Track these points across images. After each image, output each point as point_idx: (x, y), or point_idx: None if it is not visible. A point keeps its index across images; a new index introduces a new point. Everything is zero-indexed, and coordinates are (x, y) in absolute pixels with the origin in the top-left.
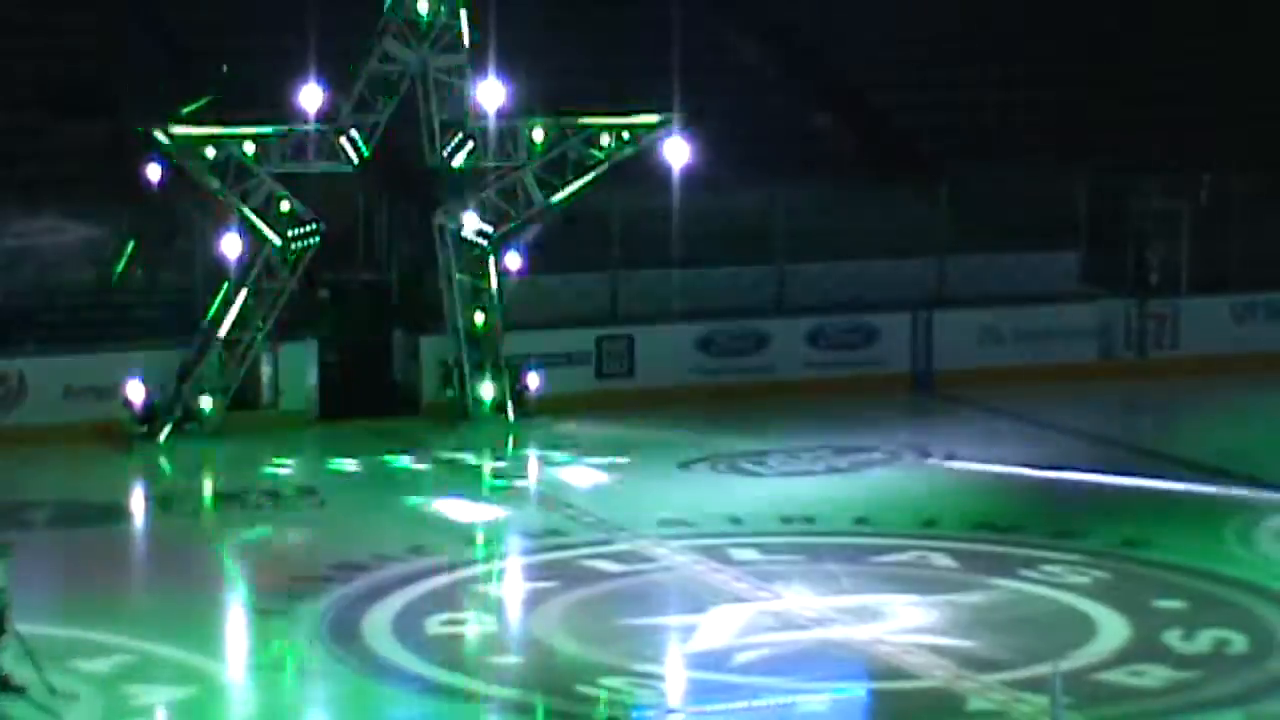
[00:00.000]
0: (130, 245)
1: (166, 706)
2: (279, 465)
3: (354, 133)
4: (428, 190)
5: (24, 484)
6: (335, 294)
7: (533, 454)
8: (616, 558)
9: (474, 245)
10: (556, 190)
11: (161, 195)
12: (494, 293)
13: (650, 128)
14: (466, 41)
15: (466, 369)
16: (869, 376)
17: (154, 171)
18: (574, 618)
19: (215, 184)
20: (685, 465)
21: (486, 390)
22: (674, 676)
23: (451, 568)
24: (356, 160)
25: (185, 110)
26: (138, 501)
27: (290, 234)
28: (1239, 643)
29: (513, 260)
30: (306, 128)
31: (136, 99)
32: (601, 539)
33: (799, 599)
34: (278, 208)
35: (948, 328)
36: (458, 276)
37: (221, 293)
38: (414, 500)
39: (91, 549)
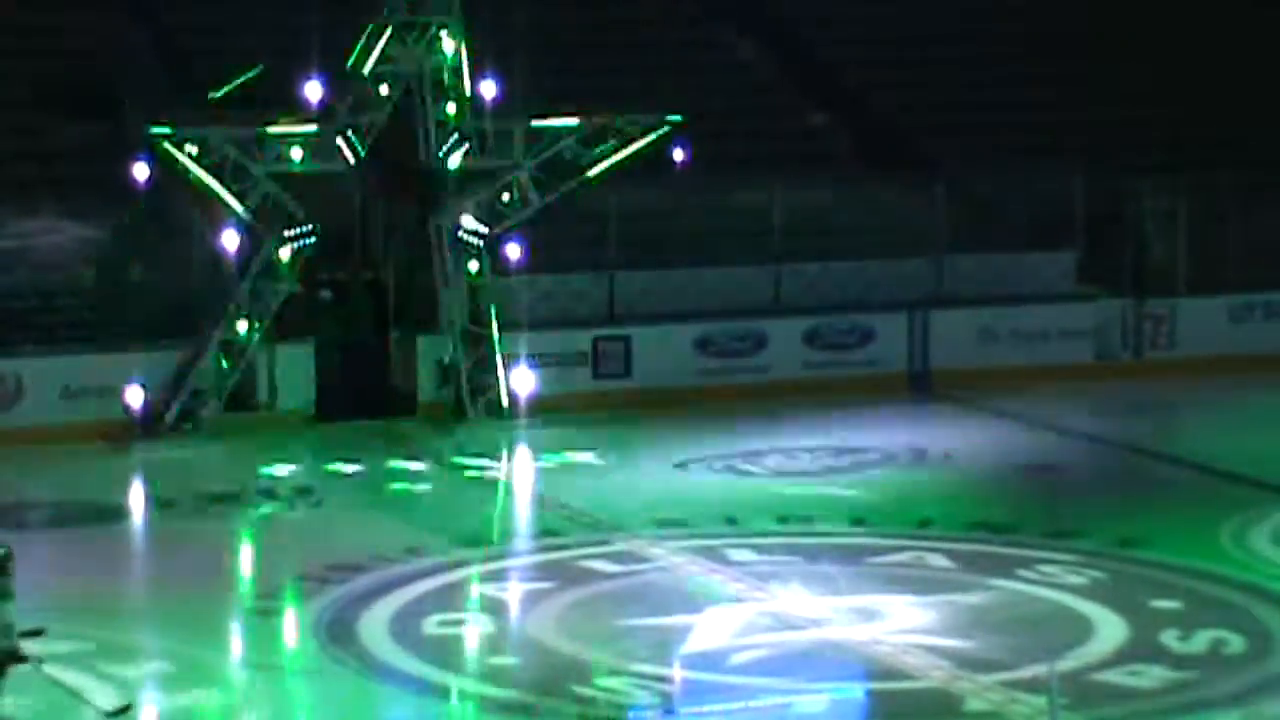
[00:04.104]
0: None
1: (164, 705)
2: (276, 466)
3: (351, 133)
4: (424, 190)
5: (22, 485)
6: (337, 295)
7: (529, 454)
8: (613, 558)
9: (470, 245)
10: (552, 190)
11: (150, 194)
12: (490, 293)
13: (647, 128)
14: (463, 41)
15: (463, 369)
16: (866, 376)
17: (141, 170)
18: (571, 618)
19: (210, 183)
20: (682, 465)
21: (483, 390)
22: (671, 677)
23: (448, 568)
24: (353, 160)
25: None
26: (136, 502)
27: (287, 234)
28: (1236, 643)
29: (513, 251)
30: (304, 129)
31: (135, 100)
32: (598, 539)
33: (796, 599)
34: (274, 208)
35: (945, 327)
36: (454, 276)
37: (218, 293)
38: (411, 501)
39: (90, 549)
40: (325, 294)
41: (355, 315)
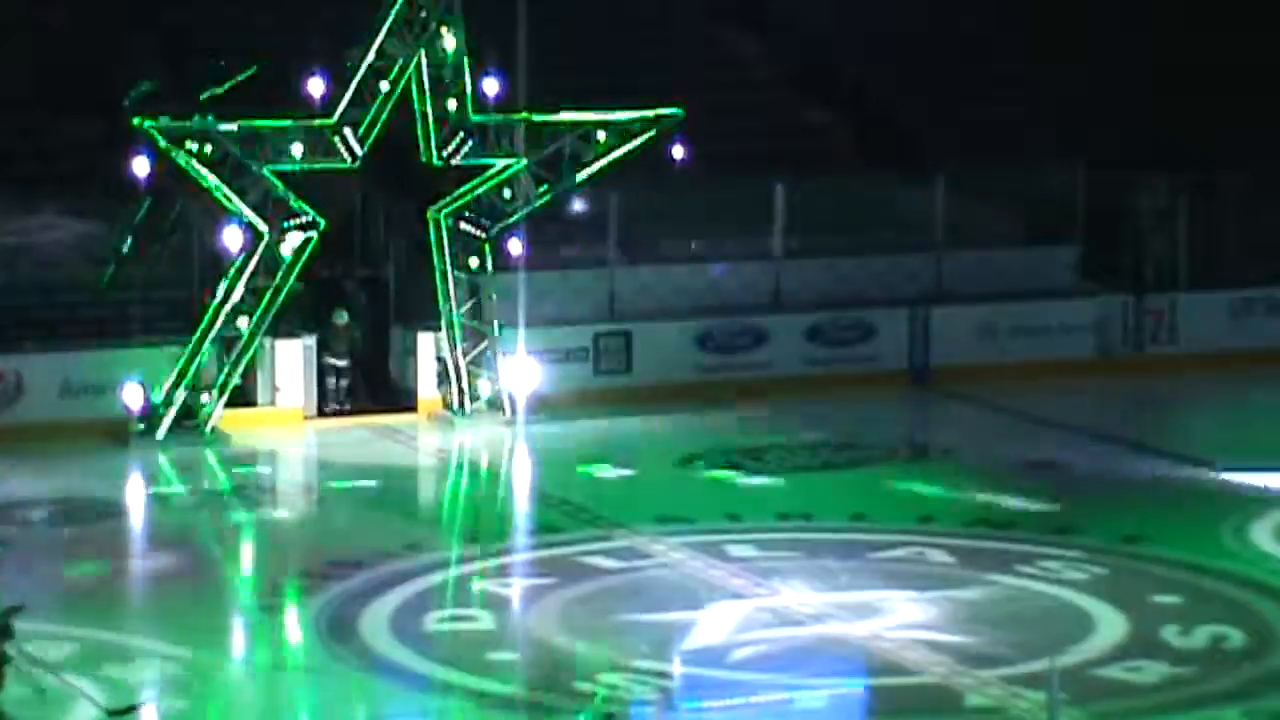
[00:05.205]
0: (125, 244)
1: (164, 702)
2: (276, 463)
3: (350, 129)
4: (424, 186)
5: (22, 482)
6: (351, 315)
7: (529, 450)
8: (614, 554)
9: (471, 241)
10: (552, 186)
11: (149, 190)
12: (490, 289)
13: (647, 125)
14: (463, 37)
15: (463, 365)
16: (867, 373)
17: (141, 166)
18: (572, 614)
19: (210, 180)
20: (683, 461)
21: (483, 386)
22: (672, 673)
23: (449, 564)
24: (353, 157)
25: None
26: (136, 499)
27: (287, 231)
28: (1236, 638)
29: (513, 246)
30: (304, 124)
31: (137, 96)
32: (599, 535)
33: (796, 595)
34: (274, 205)
35: (945, 324)
36: (454, 273)
37: (219, 290)
38: (411, 497)
39: (90, 547)
40: (341, 318)
41: (355, 313)
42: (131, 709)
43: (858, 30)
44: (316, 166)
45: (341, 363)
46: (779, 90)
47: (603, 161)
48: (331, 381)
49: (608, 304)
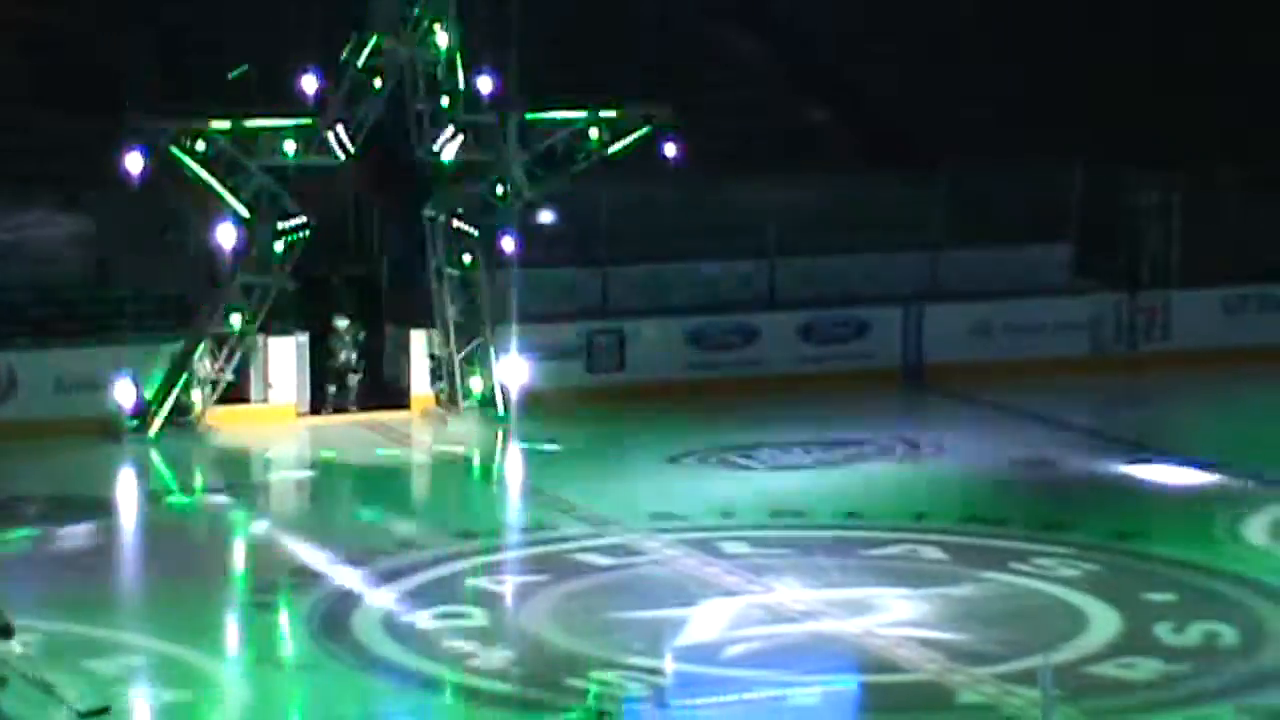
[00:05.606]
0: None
1: (157, 700)
2: (269, 459)
3: (343, 126)
4: (417, 183)
5: (15, 478)
6: (349, 320)
7: (522, 447)
8: (607, 551)
9: (463, 238)
10: (546, 184)
11: (143, 187)
12: (483, 286)
13: (641, 122)
14: (455, 34)
15: (456, 362)
16: (860, 370)
17: (134, 163)
18: (564, 611)
19: (204, 177)
20: (676, 459)
21: (476, 384)
22: (664, 670)
23: (441, 561)
24: (345, 154)
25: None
26: (129, 496)
27: (280, 228)
28: (1229, 636)
29: (506, 244)
30: (297, 122)
31: (132, 93)
32: (592, 533)
33: (790, 592)
34: (267, 202)
35: (939, 321)
36: (447, 270)
37: (212, 287)
38: (404, 494)
39: (82, 544)
40: (341, 322)
41: (348, 312)
42: (104, 710)
43: (858, 30)
44: (309, 164)
45: (350, 362)
46: (778, 88)
47: (596, 159)
48: (333, 389)
49: (600, 301)
